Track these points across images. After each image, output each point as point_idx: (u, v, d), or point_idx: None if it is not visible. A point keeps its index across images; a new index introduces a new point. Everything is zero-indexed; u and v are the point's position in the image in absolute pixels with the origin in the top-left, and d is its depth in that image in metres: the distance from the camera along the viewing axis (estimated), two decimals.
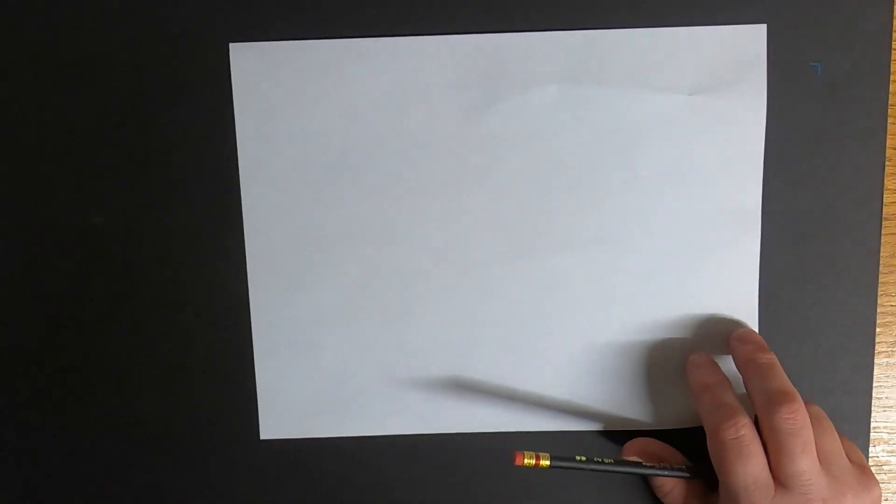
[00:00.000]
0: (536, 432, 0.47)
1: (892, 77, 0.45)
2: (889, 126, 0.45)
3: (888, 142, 0.45)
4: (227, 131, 0.45)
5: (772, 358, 0.44)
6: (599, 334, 0.47)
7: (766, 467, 0.41)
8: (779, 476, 0.41)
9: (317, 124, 0.45)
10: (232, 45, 0.45)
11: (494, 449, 0.48)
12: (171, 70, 0.45)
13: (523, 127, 0.45)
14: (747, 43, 0.44)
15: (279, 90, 0.45)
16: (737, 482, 0.41)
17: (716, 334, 0.46)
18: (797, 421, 0.41)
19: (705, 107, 0.45)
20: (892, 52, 0.45)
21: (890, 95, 0.45)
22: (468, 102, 0.45)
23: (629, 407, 0.47)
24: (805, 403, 0.41)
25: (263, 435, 0.48)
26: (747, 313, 0.46)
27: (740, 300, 0.46)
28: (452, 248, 0.46)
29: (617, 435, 0.47)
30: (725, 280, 0.46)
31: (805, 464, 0.40)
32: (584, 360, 0.47)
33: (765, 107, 0.45)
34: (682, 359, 0.47)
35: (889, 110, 0.45)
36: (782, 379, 0.43)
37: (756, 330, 0.46)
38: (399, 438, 0.48)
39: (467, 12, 0.45)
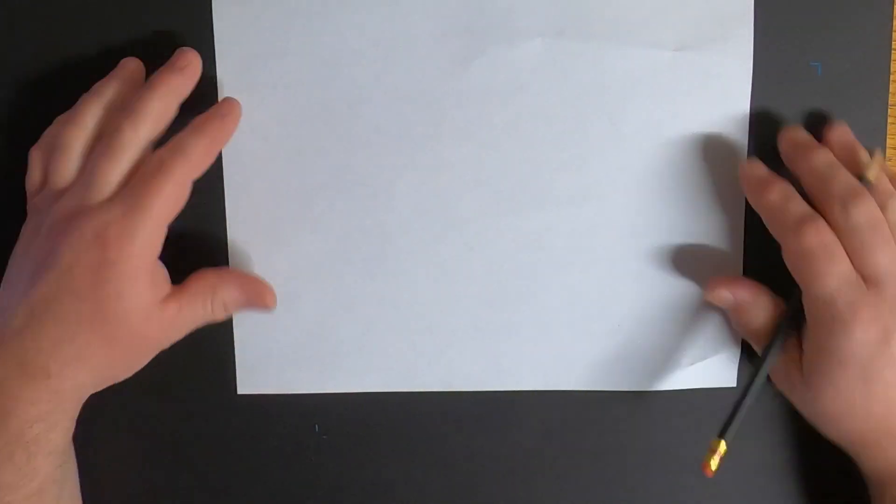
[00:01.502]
0: (518, 391, 0.47)
1: (892, 77, 0.45)
2: (889, 126, 0.45)
3: (888, 142, 0.45)
4: (208, 79, 0.45)
5: (829, 156, 0.42)
6: (582, 291, 0.46)
7: (853, 267, 0.40)
8: (864, 273, 0.40)
9: (299, 75, 0.45)
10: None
11: (474, 407, 0.47)
12: (153, 18, 0.45)
13: (507, 81, 0.45)
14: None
15: (261, 39, 0.44)
16: (829, 285, 0.40)
17: (699, 293, 0.46)
18: (873, 214, 0.40)
19: (691, 62, 0.45)
20: (892, 52, 0.45)
21: (890, 95, 0.45)
22: (452, 55, 0.45)
23: (612, 366, 0.47)
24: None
25: (241, 390, 0.47)
26: (733, 268, 0.46)
27: (726, 256, 0.46)
28: (434, 203, 0.45)
29: (600, 395, 0.47)
30: (711, 236, 0.46)
31: (889, 255, 0.40)
32: (567, 317, 0.46)
33: (751, 62, 0.44)
34: (664, 317, 0.46)
35: (889, 110, 0.45)
36: (848, 176, 0.41)
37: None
38: (378, 395, 0.47)
39: None
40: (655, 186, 0.45)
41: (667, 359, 0.47)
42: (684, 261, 0.46)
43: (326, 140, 0.45)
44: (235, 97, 0.44)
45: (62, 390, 0.40)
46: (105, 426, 0.47)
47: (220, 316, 0.43)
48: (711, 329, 0.46)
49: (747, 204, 0.45)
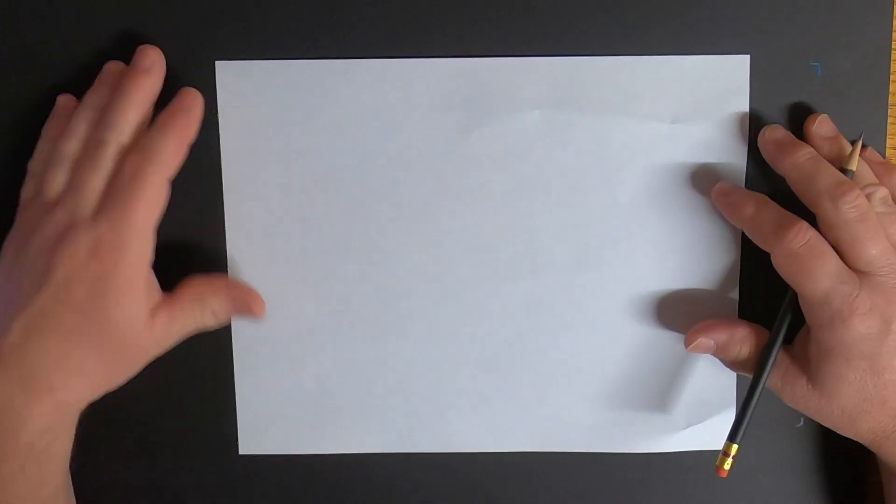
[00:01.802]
0: (516, 453, 0.47)
1: (892, 77, 0.45)
2: (889, 126, 0.45)
3: (888, 142, 0.45)
4: (212, 148, 0.45)
5: (811, 152, 0.42)
6: (579, 355, 0.47)
7: (842, 262, 0.40)
8: (856, 267, 0.40)
9: (301, 143, 0.45)
10: (218, 63, 0.45)
11: (474, 469, 0.48)
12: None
13: (506, 151, 0.45)
14: (730, 73, 0.45)
15: (264, 109, 0.45)
16: (821, 284, 0.40)
17: (697, 357, 0.47)
18: (861, 206, 0.40)
19: (687, 135, 0.45)
20: (892, 52, 0.45)
21: (890, 95, 0.45)
22: (452, 125, 0.45)
23: (609, 428, 0.47)
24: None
25: (242, 450, 0.47)
26: None
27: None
28: (435, 268, 0.46)
29: (598, 457, 0.47)
30: (706, 306, 0.46)
31: (880, 246, 0.40)
32: (565, 380, 0.47)
33: (747, 137, 0.45)
34: (661, 380, 0.47)
35: (889, 110, 0.45)
36: (832, 170, 0.41)
37: None
38: (378, 457, 0.48)
39: (453, 36, 0.45)
40: (652, 254, 0.46)
41: (664, 421, 0.47)
42: (681, 325, 0.46)
43: (327, 207, 0.46)
44: (237, 165, 0.45)
45: (65, 402, 0.40)
46: (108, 486, 0.48)
47: (210, 324, 0.44)
48: (708, 391, 0.47)
49: (742, 269, 0.46)
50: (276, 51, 0.45)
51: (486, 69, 0.45)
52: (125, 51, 0.45)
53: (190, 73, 0.45)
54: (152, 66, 0.43)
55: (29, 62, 0.45)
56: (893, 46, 0.45)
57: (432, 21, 0.45)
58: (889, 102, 0.45)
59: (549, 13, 0.45)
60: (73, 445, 0.42)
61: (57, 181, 0.42)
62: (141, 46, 0.43)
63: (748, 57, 0.44)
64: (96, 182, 0.41)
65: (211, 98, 0.45)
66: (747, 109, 0.45)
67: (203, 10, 0.45)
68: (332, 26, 0.45)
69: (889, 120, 0.45)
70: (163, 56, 0.43)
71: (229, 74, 0.45)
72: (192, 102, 0.43)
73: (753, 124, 0.45)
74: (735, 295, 0.46)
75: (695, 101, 0.45)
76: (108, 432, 0.47)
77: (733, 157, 0.45)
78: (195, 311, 0.43)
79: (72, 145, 0.42)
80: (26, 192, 0.44)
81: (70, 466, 0.43)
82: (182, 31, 0.45)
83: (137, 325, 0.41)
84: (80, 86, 0.45)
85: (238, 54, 0.45)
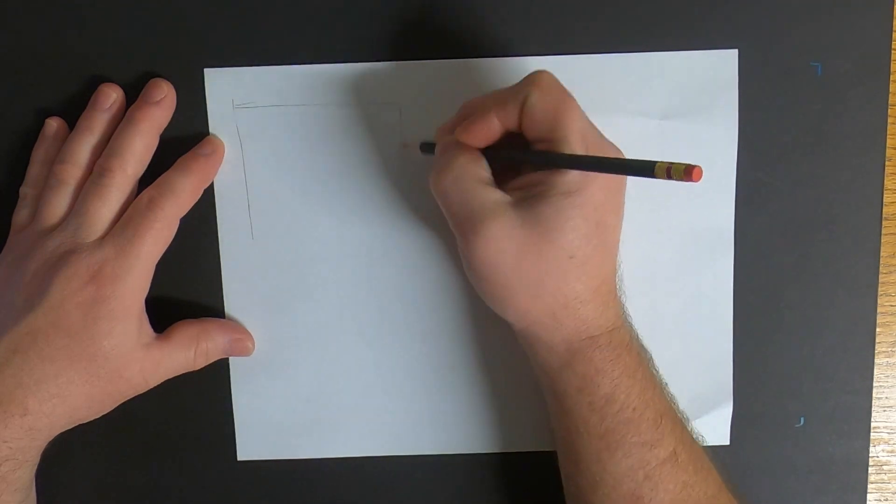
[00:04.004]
0: (515, 453, 0.48)
1: (892, 77, 0.45)
2: (889, 126, 0.45)
3: (888, 142, 0.45)
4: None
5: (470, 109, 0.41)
6: None
7: None
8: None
9: (290, 148, 0.45)
10: (207, 71, 0.44)
11: (473, 470, 0.48)
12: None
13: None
14: (719, 68, 0.44)
15: (254, 115, 0.45)
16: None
17: (691, 355, 0.46)
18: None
19: (677, 131, 0.45)
20: (892, 52, 0.44)
21: (890, 95, 0.45)
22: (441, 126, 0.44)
23: None
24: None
25: (241, 456, 0.47)
26: (722, 332, 0.46)
27: (714, 321, 0.46)
28: (428, 271, 0.46)
29: None
30: (699, 302, 0.46)
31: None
32: None
33: (736, 131, 0.45)
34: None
35: (889, 110, 0.45)
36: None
37: (731, 351, 0.46)
38: (376, 460, 0.48)
39: (442, 39, 0.44)
40: (643, 250, 0.46)
41: None
42: (674, 322, 0.46)
43: (319, 212, 0.46)
44: (228, 171, 0.45)
45: (36, 428, 0.40)
46: (107, 492, 0.48)
47: (200, 364, 0.45)
48: (704, 388, 0.47)
49: (736, 259, 0.46)
50: (266, 57, 0.45)
51: (477, 70, 0.44)
52: (114, 63, 0.44)
53: (179, 81, 0.44)
54: (163, 99, 0.43)
55: (14, 71, 0.45)
56: (893, 46, 0.44)
57: (419, 24, 0.44)
58: (889, 102, 0.45)
59: (536, 13, 0.44)
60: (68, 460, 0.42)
61: (57, 206, 0.42)
62: (153, 79, 0.44)
63: (736, 51, 0.44)
64: (102, 209, 0.41)
65: (200, 106, 0.45)
66: (736, 104, 0.45)
67: (192, 18, 0.44)
68: (321, 31, 0.44)
69: (889, 120, 0.45)
70: (174, 90, 0.44)
71: (218, 82, 0.45)
72: (213, 149, 0.44)
73: (752, 124, 0.45)
74: (729, 289, 0.46)
75: (684, 97, 0.45)
76: (107, 439, 0.47)
77: (723, 152, 0.45)
78: (189, 351, 0.44)
79: (71, 171, 0.43)
80: (19, 216, 0.44)
81: (70, 474, 0.43)
82: (171, 39, 0.44)
83: (127, 356, 0.41)
84: (68, 100, 0.45)
85: (227, 61, 0.45)
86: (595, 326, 0.39)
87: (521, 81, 0.39)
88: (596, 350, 0.39)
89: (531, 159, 0.39)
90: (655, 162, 0.31)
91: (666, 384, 0.43)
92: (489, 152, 0.40)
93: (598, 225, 0.38)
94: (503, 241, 0.37)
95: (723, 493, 0.41)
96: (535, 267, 0.38)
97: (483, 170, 0.39)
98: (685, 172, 0.30)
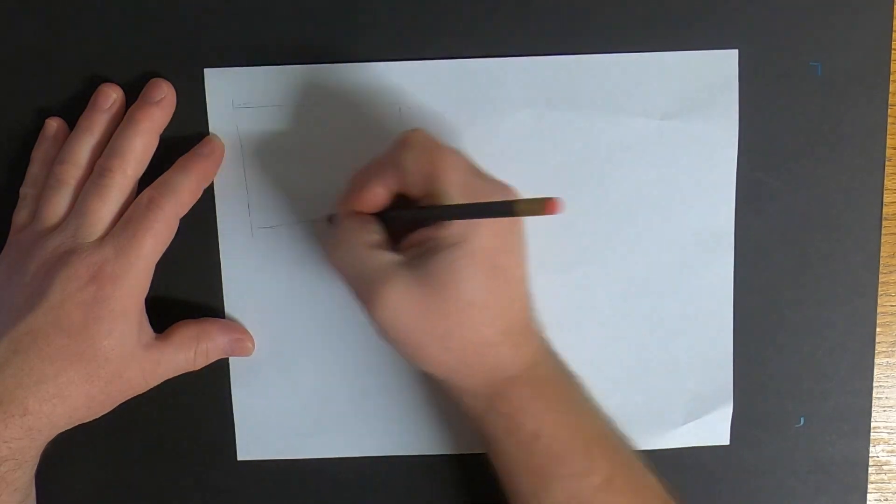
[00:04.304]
0: None
1: (892, 77, 0.45)
2: (889, 126, 0.45)
3: (888, 142, 0.45)
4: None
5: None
6: (575, 352, 0.46)
7: None
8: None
9: (290, 148, 0.45)
10: (207, 71, 0.44)
11: (473, 471, 0.48)
12: None
13: (497, 151, 0.45)
14: (719, 68, 0.44)
15: (254, 115, 0.45)
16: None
17: (691, 355, 0.46)
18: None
19: (677, 131, 0.45)
20: (892, 52, 0.44)
21: (890, 95, 0.45)
22: (442, 127, 0.45)
23: None
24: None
25: (241, 456, 0.47)
26: (722, 332, 0.46)
27: (714, 322, 0.46)
28: None
29: None
30: (699, 303, 0.46)
31: None
32: None
33: (736, 131, 0.45)
34: (658, 377, 0.47)
35: (889, 110, 0.45)
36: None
37: (732, 351, 0.46)
38: (376, 460, 0.48)
39: (442, 38, 0.44)
40: (644, 251, 0.46)
41: (661, 418, 0.47)
42: (675, 322, 0.46)
43: (321, 211, 0.45)
44: (228, 171, 0.45)
45: (36, 428, 0.40)
46: (107, 492, 0.48)
47: (200, 365, 0.45)
48: (704, 388, 0.47)
49: (736, 259, 0.46)
50: (266, 57, 0.44)
51: (476, 70, 0.44)
52: (114, 63, 0.44)
53: (179, 81, 0.44)
54: (163, 99, 0.43)
55: (14, 71, 0.45)
56: (893, 46, 0.44)
57: (420, 24, 0.44)
58: (889, 102, 0.45)
59: (536, 13, 0.44)
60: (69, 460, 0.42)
61: (57, 206, 0.42)
62: (153, 80, 0.44)
63: (736, 51, 0.44)
64: (102, 208, 0.41)
65: (200, 106, 0.45)
66: (736, 104, 0.44)
67: (192, 18, 0.44)
68: (320, 31, 0.44)
69: (889, 120, 0.45)
70: (174, 90, 0.44)
71: (218, 82, 0.45)
72: (213, 149, 0.44)
73: (752, 124, 0.45)
74: (729, 290, 0.46)
75: (684, 97, 0.44)
76: (107, 439, 0.47)
77: (723, 153, 0.45)
78: (189, 351, 0.44)
79: (71, 171, 0.43)
80: (20, 216, 0.44)
81: (70, 474, 0.43)
82: (171, 39, 0.44)
83: (127, 356, 0.41)
84: (68, 100, 0.45)
85: (227, 61, 0.44)
86: (511, 367, 0.40)
87: (392, 144, 0.39)
88: (515, 389, 0.40)
89: (415, 216, 0.39)
90: (513, 202, 0.33)
91: (599, 407, 0.43)
92: (385, 215, 0.41)
93: (493, 269, 0.38)
94: (401, 302, 0.37)
95: None
96: (439, 321, 0.38)
97: (373, 234, 0.40)
98: (544, 206, 0.31)
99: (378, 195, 0.40)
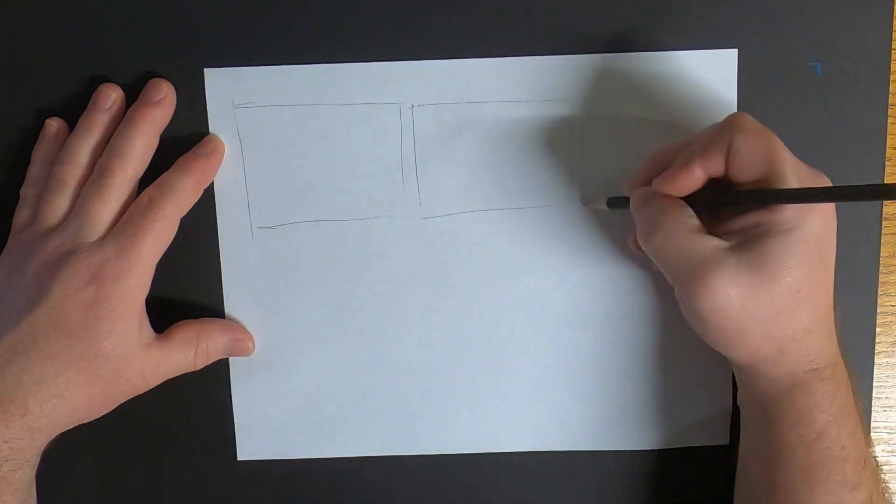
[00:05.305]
0: (515, 453, 0.47)
1: (892, 77, 0.45)
2: (889, 126, 0.45)
3: (888, 142, 0.45)
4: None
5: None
6: (575, 353, 0.47)
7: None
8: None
9: (290, 148, 0.45)
10: (207, 70, 0.45)
11: (472, 470, 0.48)
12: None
13: (497, 151, 0.45)
14: (719, 68, 0.44)
15: (253, 115, 0.45)
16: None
17: (691, 355, 0.46)
18: None
19: (676, 131, 0.45)
20: (893, 52, 0.44)
21: (890, 95, 0.45)
22: (443, 126, 0.45)
23: (607, 426, 0.47)
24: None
25: (241, 456, 0.47)
26: None
27: None
28: (428, 269, 0.46)
29: (597, 455, 0.47)
30: None
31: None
32: (562, 378, 0.47)
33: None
34: (658, 377, 0.47)
35: (889, 110, 0.45)
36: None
37: None
38: (377, 460, 0.48)
39: (442, 38, 0.44)
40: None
41: (661, 418, 0.47)
42: (676, 322, 0.46)
43: (319, 210, 0.46)
44: (228, 170, 0.45)
45: (36, 428, 0.40)
46: (107, 492, 0.48)
47: (200, 365, 0.45)
48: (705, 387, 0.47)
49: None
50: (266, 57, 0.45)
51: (476, 70, 0.45)
52: (114, 63, 0.44)
53: (179, 81, 0.44)
54: (163, 99, 0.43)
55: (14, 71, 0.45)
56: (893, 46, 0.44)
57: (420, 24, 0.44)
58: (889, 102, 0.45)
59: (537, 13, 0.44)
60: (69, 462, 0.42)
61: (57, 206, 0.42)
62: (153, 79, 0.44)
63: (736, 51, 0.44)
64: (102, 209, 0.41)
65: (200, 106, 0.45)
66: (736, 104, 0.44)
67: (192, 18, 0.44)
68: (321, 31, 0.44)
69: (889, 120, 0.45)
70: (174, 90, 0.44)
71: (218, 82, 0.45)
72: (213, 149, 0.44)
73: (772, 94, 0.45)
74: None
75: (684, 97, 0.44)
76: (107, 439, 0.47)
77: None
78: (189, 351, 0.44)
79: (71, 171, 0.43)
80: (20, 216, 0.44)
81: (70, 474, 0.43)
82: (171, 39, 0.44)
83: (127, 356, 0.41)
84: (68, 100, 0.45)
85: (227, 61, 0.45)
86: (820, 358, 0.39)
87: (718, 126, 0.39)
88: (819, 383, 0.39)
89: (752, 199, 0.38)
90: (883, 185, 0.34)
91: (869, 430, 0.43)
92: (689, 199, 0.40)
93: (820, 255, 0.38)
94: (730, 287, 0.37)
95: None
96: (765, 307, 0.37)
97: (693, 218, 0.39)
98: None
99: (696, 178, 0.39)
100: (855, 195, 0.36)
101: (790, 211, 0.37)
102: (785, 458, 0.40)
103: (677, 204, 0.39)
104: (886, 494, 0.42)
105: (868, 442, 0.41)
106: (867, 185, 0.34)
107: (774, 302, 0.37)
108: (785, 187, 0.37)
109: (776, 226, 0.37)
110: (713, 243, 0.38)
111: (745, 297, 0.37)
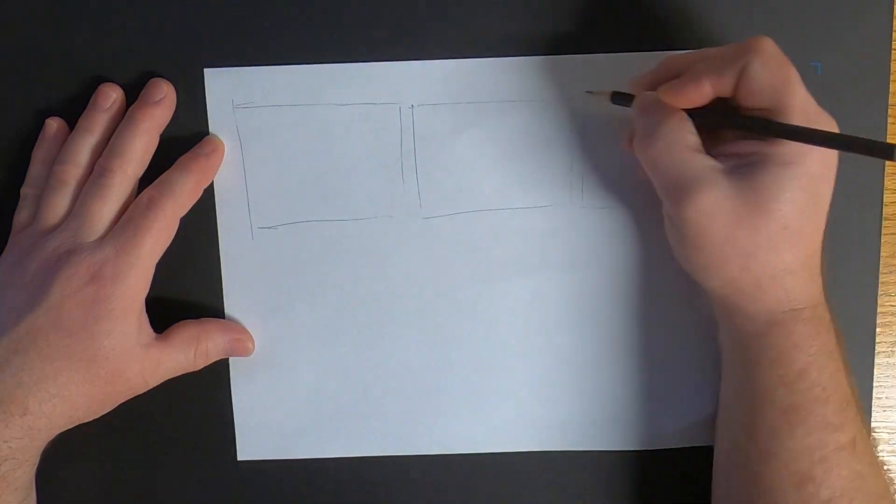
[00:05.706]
0: (514, 453, 0.48)
1: (892, 77, 0.44)
2: (889, 126, 0.45)
3: (888, 142, 0.45)
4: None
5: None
6: (573, 354, 0.47)
7: None
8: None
9: (290, 148, 0.45)
10: (207, 71, 0.45)
11: (472, 470, 0.48)
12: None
13: (498, 151, 0.45)
14: None
15: (254, 115, 0.45)
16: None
17: (691, 355, 0.47)
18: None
19: None
20: (893, 52, 0.44)
21: (890, 95, 0.45)
22: (442, 126, 0.45)
23: (602, 426, 0.47)
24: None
25: (241, 456, 0.48)
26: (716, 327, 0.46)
27: (715, 320, 0.45)
28: (428, 270, 0.46)
29: (596, 455, 0.47)
30: (700, 301, 0.46)
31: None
32: (560, 379, 0.47)
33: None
34: (651, 378, 0.47)
35: (889, 110, 0.45)
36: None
37: None
38: (377, 460, 0.48)
39: (442, 38, 0.44)
40: (645, 250, 0.46)
41: (662, 418, 0.47)
42: (675, 322, 0.46)
43: (320, 211, 0.46)
44: (228, 171, 0.45)
45: (36, 428, 0.40)
46: (107, 493, 0.48)
47: (200, 365, 0.45)
48: (704, 388, 0.47)
49: None
50: (266, 57, 0.45)
51: (476, 70, 0.45)
52: (114, 63, 0.45)
53: (179, 81, 0.44)
54: (163, 99, 0.43)
55: (14, 71, 0.45)
56: (893, 46, 0.44)
57: (420, 24, 0.44)
58: (889, 102, 0.45)
59: (536, 13, 0.44)
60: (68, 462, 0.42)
61: (58, 206, 0.43)
62: (153, 79, 0.44)
63: None
64: (102, 208, 0.42)
65: (200, 106, 0.45)
66: None
67: (192, 18, 0.44)
68: (321, 31, 0.44)
69: (889, 120, 0.45)
70: (174, 90, 0.44)
71: (218, 82, 0.45)
72: (213, 149, 0.44)
73: None
74: None
75: None
76: (107, 439, 0.47)
77: None
78: (189, 351, 0.44)
79: (71, 171, 0.43)
80: (20, 216, 0.44)
81: (70, 474, 0.43)
82: (171, 39, 0.44)
83: (127, 356, 0.41)
84: (68, 100, 0.45)
85: (227, 61, 0.45)
86: (799, 299, 0.39)
87: (736, 46, 0.38)
88: (798, 323, 0.39)
89: (754, 127, 0.38)
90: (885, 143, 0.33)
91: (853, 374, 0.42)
92: (691, 112, 0.39)
93: (813, 196, 0.37)
94: (717, 209, 0.37)
95: (887, 498, 0.40)
96: (748, 237, 0.37)
97: (693, 135, 0.38)
98: None
99: (704, 93, 0.38)
100: (856, 147, 0.35)
101: (790, 145, 0.37)
102: (765, 400, 0.39)
103: (679, 118, 0.39)
104: (870, 438, 0.41)
105: (851, 384, 0.40)
106: (871, 140, 0.33)
107: (758, 234, 0.37)
108: (789, 123, 0.36)
109: (774, 157, 0.37)
110: (709, 163, 0.38)
111: (729, 222, 0.37)
